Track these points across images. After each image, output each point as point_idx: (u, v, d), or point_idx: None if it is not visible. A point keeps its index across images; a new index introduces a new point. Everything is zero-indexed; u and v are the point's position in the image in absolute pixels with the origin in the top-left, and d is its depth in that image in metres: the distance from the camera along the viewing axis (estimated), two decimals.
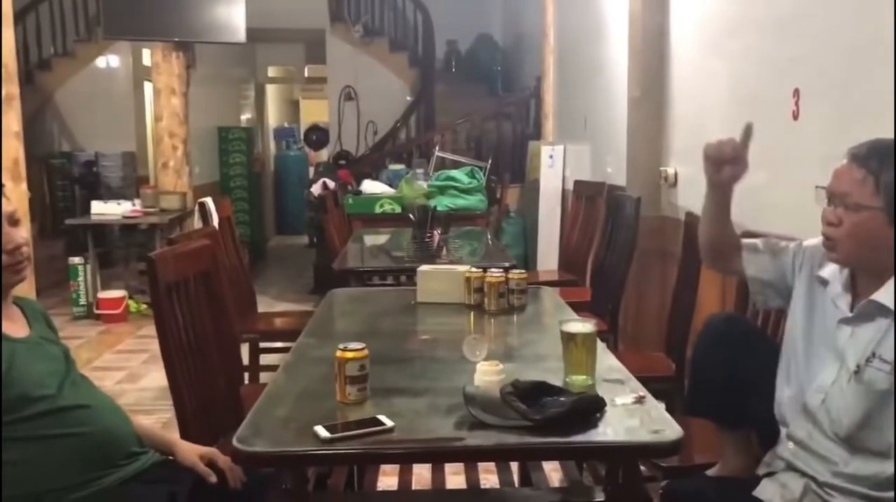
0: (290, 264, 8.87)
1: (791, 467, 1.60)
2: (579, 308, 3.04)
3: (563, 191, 5.77)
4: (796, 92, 2.53)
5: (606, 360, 1.79)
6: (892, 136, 1.58)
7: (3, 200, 1.60)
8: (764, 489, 1.61)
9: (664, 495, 1.65)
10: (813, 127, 2.47)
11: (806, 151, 2.51)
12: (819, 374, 1.59)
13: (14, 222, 1.64)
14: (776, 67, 2.72)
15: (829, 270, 1.66)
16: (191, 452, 1.74)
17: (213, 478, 1.69)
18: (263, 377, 3.25)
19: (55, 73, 8.38)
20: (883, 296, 1.49)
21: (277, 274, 8.27)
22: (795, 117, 2.55)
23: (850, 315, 1.56)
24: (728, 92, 3.19)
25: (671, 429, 1.40)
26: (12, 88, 3.79)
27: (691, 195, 3.62)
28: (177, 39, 6.13)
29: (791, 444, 1.62)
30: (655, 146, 3.96)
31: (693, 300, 2.73)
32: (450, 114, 8.21)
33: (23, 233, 1.68)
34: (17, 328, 1.64)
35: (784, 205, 2.67)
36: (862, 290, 1.55)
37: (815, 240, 1.68)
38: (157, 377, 4.13)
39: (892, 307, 1.47)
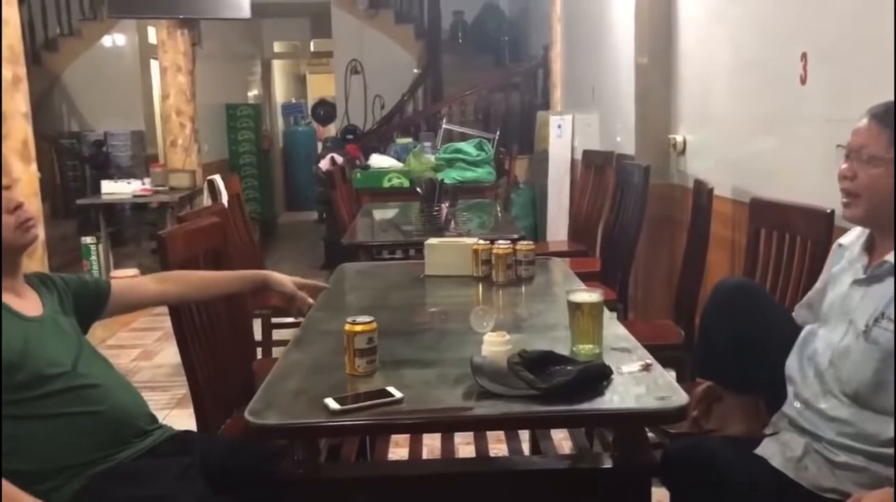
0: (301, 240, 8.90)
1: (794, 424, 1.61)
2: (589, 278, 3.05)
3: (572, 161, 5.74)
4: (804, 56, 2.50)
5: (613, 329, 1.79)
6: None
7: None
8: (765, 447, 1.62)
9: (665, 456, 1.66)
10: (821, 90, 2.45)
11: (814, 115, 2.49)
12: (829, 335, 1.60)
13: (6, 187, 1.67)
14: (784, 31, 2.69)
15: (849, 237, 1.67)
16: (286, 280, 2.06)
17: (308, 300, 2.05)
18: (276, 352, 3.28)
19: (62, 53, 8.37)
20: None
21: (288, 250, 8.30)
22: (803, 81, 2.52)
23: (863, 277, 1.56)
24: (736, 57, 3.16)
25: (677, 396, 1.41)
26: (19, 69, 3.79)
27: (700, 162, 3.60)
28: (181, 16, 6.10)
29: (797, 403, 1.63)
30: (663, 114, 3.93)
31: (702, 267, 2.73)
32: (457, 85, 8.15)
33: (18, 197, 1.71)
34: (30, 306, 1.66)
35: (792, 169, 2.65)
36: (879, 253, 1.56)
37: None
38: (171, 354, 4.17)
39: None
